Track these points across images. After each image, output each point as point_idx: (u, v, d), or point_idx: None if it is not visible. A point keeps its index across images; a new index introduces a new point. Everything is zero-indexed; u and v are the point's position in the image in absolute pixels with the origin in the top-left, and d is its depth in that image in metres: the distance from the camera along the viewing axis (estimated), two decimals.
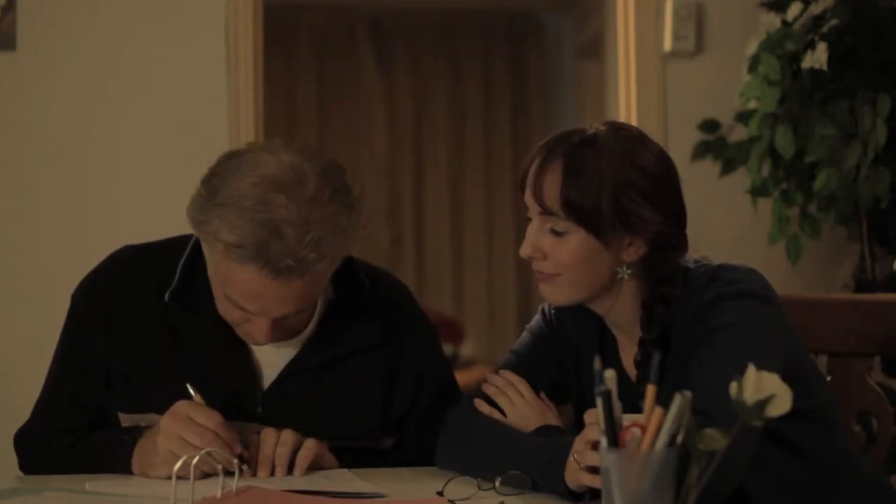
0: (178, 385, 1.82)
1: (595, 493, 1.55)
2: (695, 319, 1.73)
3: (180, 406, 1.79)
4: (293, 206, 1.72)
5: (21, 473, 1.94)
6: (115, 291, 1.93)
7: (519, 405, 1.89)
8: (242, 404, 1.89)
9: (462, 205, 6.51)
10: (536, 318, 1.99)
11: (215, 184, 1.76)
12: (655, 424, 1.24)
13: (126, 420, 1.92)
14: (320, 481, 1.77)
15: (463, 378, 2.24)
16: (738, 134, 3.51)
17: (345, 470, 1.86)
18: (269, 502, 1.63)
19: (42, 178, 3.33)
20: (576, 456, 1.60)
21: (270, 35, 3.68)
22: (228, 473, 1.66)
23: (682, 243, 1.80)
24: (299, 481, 1.76)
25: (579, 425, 1.66)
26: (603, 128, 1.79)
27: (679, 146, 3.53)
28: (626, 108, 3.69)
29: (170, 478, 1.56)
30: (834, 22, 3.13)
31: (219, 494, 1.61)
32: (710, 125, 3.59)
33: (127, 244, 2.01)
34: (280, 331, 1.83)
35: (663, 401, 1.25)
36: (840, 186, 3.09)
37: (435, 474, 1.83)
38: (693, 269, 1.79)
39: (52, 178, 3.34)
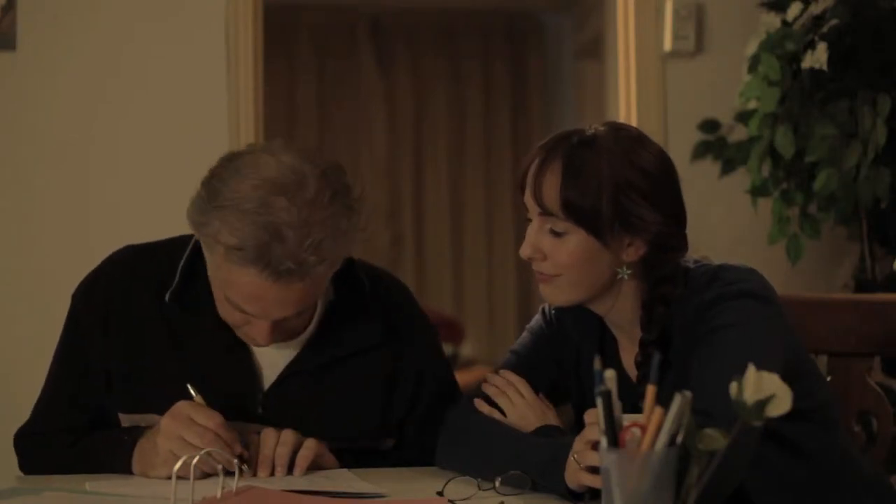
0: (179, 385, 1.82)
1: (595, 493, 1.55)
2: (695, 319, 1.73)
3: (181, 406, 1.79)
4: (294, 208, 1.72)
5: (21, 473, 1.94)
6: (115, 292, 1.93)
7: (519, 405, 1.89)
8: (242, 405, 1.89)
9: (462, 205, 6.51)
10: (536, 318, 1.99)
11: (215, 186, 1.76)
12: (655, 424, 1.24)
13: (126, 420, 1.92)
14: (320, 481, 1.77)
15: (463, 378, 2.24)
16: (738, 134, 3.51)
17: (345, 470, 1.86)
18: (269, 502, 1.63)
19: (42, 178, 3.34)
20: (576, 456, 1.60)
21: (270, 35, 3.68)
22: (228, 473, 1.66)
23: (681, 243, 1.80)
24: (299, 481, 1.76)
25: (579, 425, 1.66)
26: (602, 128, 1.79)
27: (679, 146, 3.53)
28: (626, 108, 3.69)
29: (170, 478, 1.56)
30: (834, 22, 3.13)
31: (219, 494, 1.61)
32: (710, 125, 3.59)
33: (127, 244, 2.01)
34: (280, 332, 1.83)
35: (663, 401, 1.25)
36: (840, 186, 3.09)
37: (435, 474, 1.83)
38: (693, 270, 1.79)
39: (52, 178, 3.34)
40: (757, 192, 3.34)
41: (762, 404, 1.24)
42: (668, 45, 3.63)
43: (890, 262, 3.21)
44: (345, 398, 1.93)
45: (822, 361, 2.10)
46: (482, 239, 6.50)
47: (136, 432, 1.85)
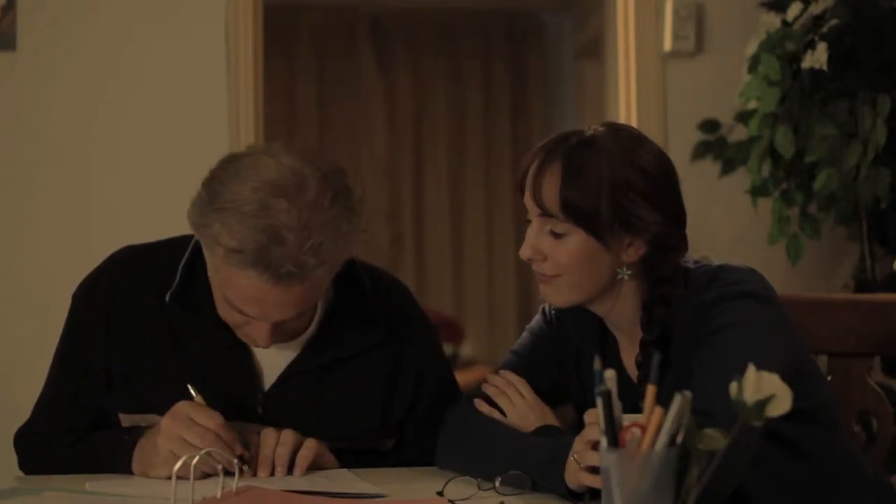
0: (179, 386, 1.82)
1: (595, 493, 1.55)
2: (695, 320, 1.73)
3: (181, 407, 1.79)
4: (294, 210, 1.71)
5: (21, 473, 1.94)
6: (115, 292, 1.93)
7: (519, 405, 1.89)
8: (243, 405, 1.89)
9: (462, 205, 6.51)
10: (537, 319, 1.99)
11: (216, 188, 1.75)
12: (655, 424, 1.24)
13: (126, 420, 1.92)
14: (320, 481, 1.77)
15: (463, 378, 2.24)
16: (738, 134, 3.51)
17: (345, 470, 1.86)
18: (269, 502, 1.63)
19: (42, 178, 3.34)
20: (576, 456, 1.60)
21: (270, 35, 3.68)
22: (228, 473, 1.66)
23: (681, 244, 1.80)
24: (299, 481, 1.76)
25: (579, 425, 1.66)
26: (601, 129, 1.79)
27: (679, 146, 3.53)
28: (626, 108, 3.69)
29: (170, 478, 1.56)
30: (834, 22, 3.13)
31: (219, 494, 1.61)
32: (710, 125, 3.59)
33: (127, 244, 2.01)
34: (280, 333, 1.83)
35: (664, 401, 1.25)
36: (840, 186, 3.09)
37: (435, 474, 1.83)
38: (693, 270, 1.79)
39: (52, 178, 3.34)
40: (757, 192, 3.34)
41: (762, 404, 1.24)
42: (668, 45, 3.63)
43: (890, 262, 3.21)
44: (345, 398, 1.93)
45: (822, 361, 2.10)
46: (482, 239, 6.50)
47: (137, 432, 1.85)
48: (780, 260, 3.28)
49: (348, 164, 1.88)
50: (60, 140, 3.34)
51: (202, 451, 1.67)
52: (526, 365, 1.95)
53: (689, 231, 1.81)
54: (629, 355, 1.83)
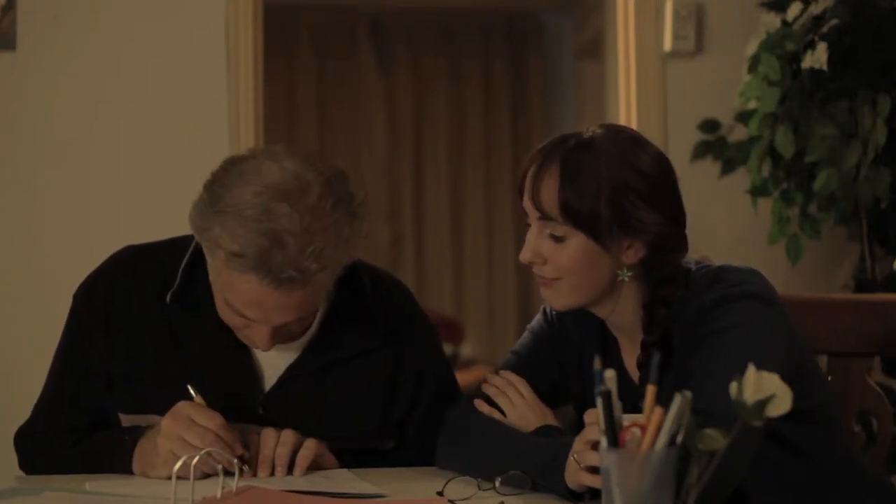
0: (179, 386, 1.82)
1: (595, 493, 1.55)
2: (696, 321, 1.72)
3: (181, 407, 1.79)
4: (296, 215, 1.71)
5: (21, 473, 1.94)
6: (116, 292, 1.93)
7: (519, 405, 1.89)
8: (243, 406, 1.89)
9: (462, 205, 6.51)
10: (538, 319, 1.99)
11: (217, 191, 1.75)
12: (655, 424, 1.24)
13: (126, 421, 1.92)
14: (320, 481, 1.77)
15: (463, 378, 2.24)
16: (738, 134, 3.51)
17: (345, 470, 1.86)
18: (269, 502, 1.63)
19: (42, 178, 3.34)
20: (576, 456, 1.60)
21: (270, 35, 3.67)
22: (228, 473, 1.66)
23: (681, 244, 1.79)
24: (299, 481, 1.76)
25: (580, 425, 1.66)
26: (600, 131, 1.79)
27: (679, 146, 3.53)
28: (626, 108, 3.69)
29: (170, 478, 1.56)
30: (834, 22, 3.13)
31: (219, 494, 1.61)
32: (710, 125, 3.59)
33: (128, 244, 2.01)
34: (281, 336, 1.83)
35: (664, 401, 1.25)
36: (840, 186, 3.09)
37: (435, 474, 1.83)
38: (694, 271, 1.79)
39: (52, 178, 3.34)
40: (757, 192, 3.34)
41: (762, 404, 1.24)
42: (668, 45, 3.63)
43: (890, 262, 3.21)
44: (346, 399, 1.93)
45: (822, 361, 2.10)
46: (482, 239, 6.50)
47: (137, 432, 1.85)
48: (780, 260, 3.28)
49: (348, 165, 1.88)
50: (60, 140, 3.34)
51: (202, 452, 1.67)
52: (526, 365, 1.95)
53: (689, 231, 1.81)
54: (630, 356, 1.83)
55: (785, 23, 3.25)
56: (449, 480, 1.73)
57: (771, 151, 3.24)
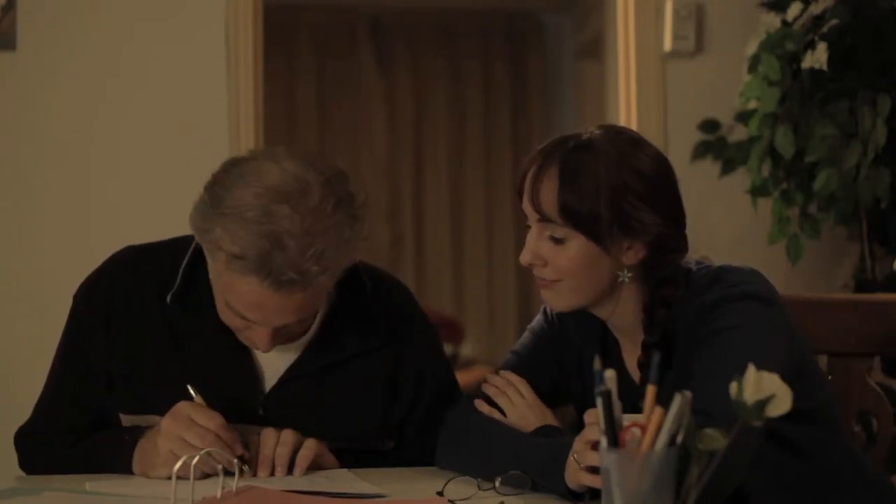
0: (179, 386, 1.82)
1: (595, 493, 1.55)
2: (697, 321, 1.72)
3: (181, 407, 1.79)
4: (297, 217, 1.70)
5: (21, 473, 1.94)
6: (116, 292, 1.93)
7: (519, 405, 1.89)
8: (243, 407, 1.88)
9: (462, 205, 6.51)
10: (538, 319, 1.99)
11: (218, 192, 1.74)
12: (655, 424, 1.24)
13: (127, 421, 1.92)
14: (320, 481, 1.77)
15: (463, 378, 2.24)
16: (738, 134, 3.51)
17: (345, 470, 1.86)
18: (269, 502, 1.63)
19: (42, 178, 3.34)
20: (576, 456, 1.60)
21: (270, 35, 3.68)
22: (228, 473, 1.66)
23: (681, 245, 1.79)
24: (299, 481, 1.76)
25: (580, 425, 1.66)
26: (598, 132, 1.79)
27: (679, 146, 3.53)
28: (626, 108, 3.69)
29: (170, 478, 1.56)
30: (834, 22, 3.13)
31: (219, 494, 1.61)
32: (710, 125, 3.59)
33: (128, 245, 2.01)
34: (281, 338, 1.83)
35: (665, 402, 1.25)
36: (840, 186, 3.09)
37: (435, 474, 1.83)
38: (694, 271, 1.79)
39: (52, 178, 3.34)
40: (757, 192, 3.34)
41: (762, 404, 1.24)
42: (668, 45, 3.63)
43: (890, 262, 3.21)
44: (346, 400, 1.93)
45: (822, 361, 2.10)
46: (482, 239, 6.50)
47: (137, 432, 1.85)
48: (780, 260, 3.28)
49: (348, 165, 1.87)
50: (60, 140, 3.34)
51: (202, 452, 1.67)
52: (526, 365, 1.95)
53: (689, 231, 1.81)
54: (631, 356, 1.82)
55: (785, 23, 3.25)
56: (449, 480, 1.73)
57: (771, 151, 3.24)
